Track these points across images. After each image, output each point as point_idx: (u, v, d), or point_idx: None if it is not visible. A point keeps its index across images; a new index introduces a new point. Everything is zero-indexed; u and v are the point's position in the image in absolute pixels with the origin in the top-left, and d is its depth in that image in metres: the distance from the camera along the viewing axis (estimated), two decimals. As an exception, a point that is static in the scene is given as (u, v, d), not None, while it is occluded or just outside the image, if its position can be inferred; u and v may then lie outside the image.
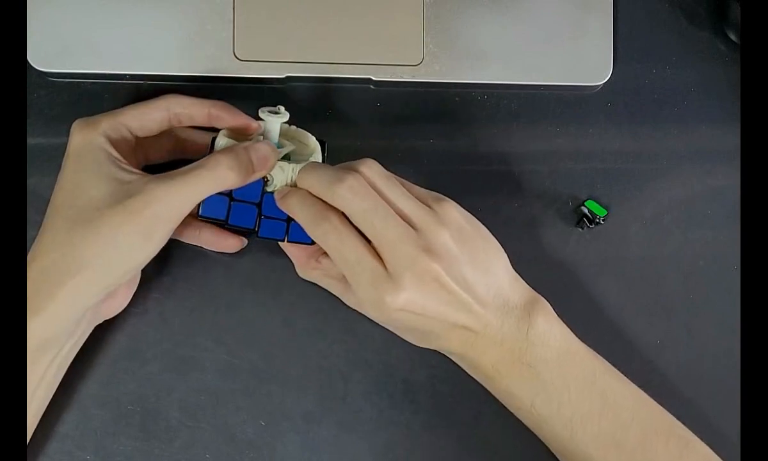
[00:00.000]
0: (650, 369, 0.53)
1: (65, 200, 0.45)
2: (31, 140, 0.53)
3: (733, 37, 0.57)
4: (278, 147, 0.49)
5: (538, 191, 0.54)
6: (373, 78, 0.53)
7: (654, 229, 0.56)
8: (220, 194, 0.47)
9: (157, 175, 0.46)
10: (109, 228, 0.44)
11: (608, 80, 0.55)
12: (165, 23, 0.53)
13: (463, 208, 0.48)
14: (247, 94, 0.53)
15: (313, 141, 0.50)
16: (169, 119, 0.48)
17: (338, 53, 0.53)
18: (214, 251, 0.52)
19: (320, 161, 0.49)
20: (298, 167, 0.48)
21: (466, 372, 0.53)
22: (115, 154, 0.46)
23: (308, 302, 0.53)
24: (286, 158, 0.49)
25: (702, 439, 0.48)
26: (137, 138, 0.48)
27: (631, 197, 0.56)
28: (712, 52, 0.57)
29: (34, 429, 0.48)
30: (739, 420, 0.43)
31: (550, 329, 0.48)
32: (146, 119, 0.48)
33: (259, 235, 0.49)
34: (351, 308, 0.53)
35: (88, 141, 0.46)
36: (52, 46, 0.52)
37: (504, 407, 0.52)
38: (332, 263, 0.48)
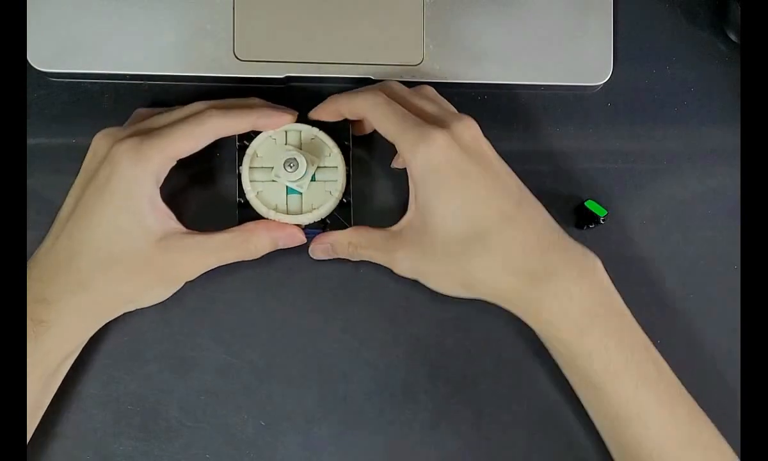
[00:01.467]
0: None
1: (99, 239, 0.46)
2: (31, 140, 0.53)
3: (733, 37, 0.57)
4: (300, 176, 0.49)
5: (538, 191, 0.54)
6: (373, 78, 0.53)
7: (654, 229, 0.56)
8: None
9: (193, 239, 0.48)
10: (138, 281, 0.48)
11: (608, 80, 0.55)
12: (165, 23, 0.53)
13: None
14: (247, 94, 0.53)
15: (332, 144, 0.50)
16: (216, 137, 0.49)
17: (338, 53, 0.53)
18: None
19: (343, 169, 0.50)
20: (321, 210, 0.50)
21: (466, 372, 0.53)
22: (158, 201, 0.48)
23: (308, 302, 0.53)
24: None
25: (706, 421, 0.49)
26: None
27: (631, 197, 0.56)
28: (712, 52, 0.57)
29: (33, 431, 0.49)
30: (739, 420, 0.43)
31: (607, 279, 0.49)
32: (196, 147, 0.48)
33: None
34: (351, 308, 0.53)
35: (138, 182, 0.46)
36: (52, 46, 0.52)
37: (504, 407, 0.52)
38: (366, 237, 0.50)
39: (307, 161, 0.49)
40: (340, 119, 0.51)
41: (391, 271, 0.51)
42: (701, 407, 0.49)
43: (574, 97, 0.56)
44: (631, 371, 0.47)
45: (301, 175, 0.49)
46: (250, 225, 0.49)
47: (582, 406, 0.51)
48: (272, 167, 0.49)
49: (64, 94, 0.54)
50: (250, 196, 0.50)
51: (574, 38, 0.55)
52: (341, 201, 0.50)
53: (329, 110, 0.50)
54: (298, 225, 0.50)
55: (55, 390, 0.49)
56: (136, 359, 0.52)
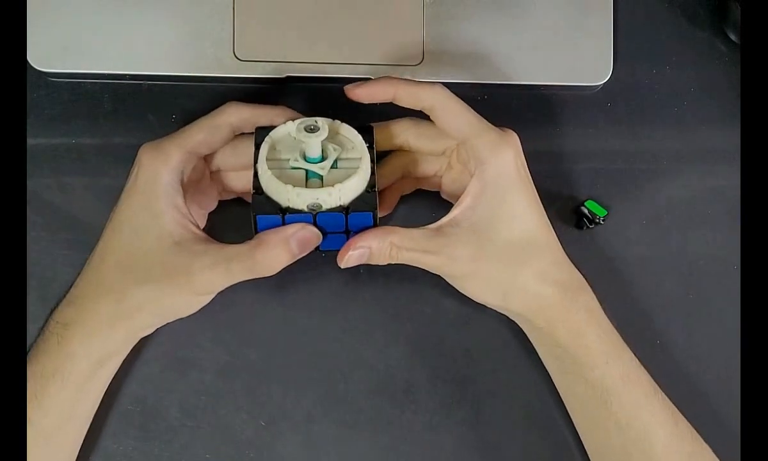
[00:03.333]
0: (650, 369, 0.53)
1: (121, 240, 0.46)
2: (31, 140, 0.53)
3: (733, 37, 0.57)
4: (320, 160, 0.46)
5: (538, 191, 0.54)
6: (374, 78, 0.53)
7: (654, 229, 0.56)
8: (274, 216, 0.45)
9: (207, 246, 0.46)
10: (158, 292, 0.46)
11: (608, 80, 0.55)
12: (165, 23, 0.53)
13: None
14: (247, 94, 0.53)
15: (354, 135, 0.47)
16: (233, 132, 0.49)
17: (338, 53, 0.53)
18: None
19: (368, 159, 0.46)
20: (345, 185, 0.45)
21: (466, 372, 0.53)
22: (177, 199, 0.47)
23: (308, 302, 0.53)
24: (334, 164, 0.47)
25: (702, 439, 0.49)
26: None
27: (631, 197, 0.56)
28: (712, 52, 0.57)
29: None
30: (739, 421, 0.43)
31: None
32: (214, 141, 0.48)
33: (321, 248, 0.47)
34: (351, 308, 0.53)
35: (157, 179, 0.46)
36: (52, 46, 0.52)
37: (504, 407, 0.52)
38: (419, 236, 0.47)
39: (328, 127, 0.46)
40: (387, 100, 0.48)
41: (390, 269, 0.51)
42: (701, 408, 0.49)
43: (574, 97, 0.56)
44: (643, 381, 0.48)
45: (324, 136, 0.45)
46: (260, 235, 0.46)
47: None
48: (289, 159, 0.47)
49: (64, 94, 0.54)
50: (266, 176, 0.45)
51: (574, 38, 0.55)
52: (366, 190, 0.46)
53: (382, 91, 0.48)
54: (315, 220, 0.45)
55: (95, 400, 0.49)
56: (136, 359, 0.52)
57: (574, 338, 0.48)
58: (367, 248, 0.46)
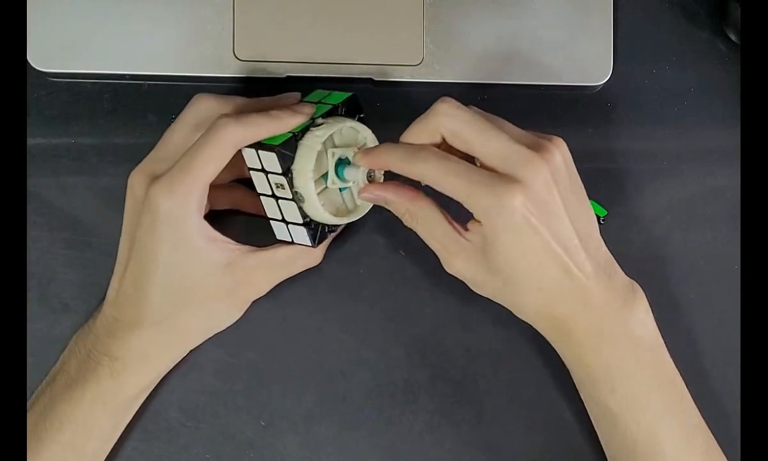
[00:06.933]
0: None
1: (162, 277, 0.46)
2: (31, 140, 0.53)
3: (733, 37, 0.57)
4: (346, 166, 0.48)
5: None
6: (374, 78, 0.53)
7: (654, 229, 0.56)
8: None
9: (257, 256, 0.48)
10: (211, 309, 0.48)
11: (608, 80, 0.55)
12: (165, 23, 0.53)
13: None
14: (247, 94, 0.53)
15: (362, 128, 0.49)
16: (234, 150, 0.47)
17: (338, 53, 0.53)
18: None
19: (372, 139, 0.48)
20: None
21: (466, 372, 0.53)
22: (208, 231, 0.47)
23: (308, 301, 0.53)
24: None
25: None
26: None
27: (631, 197, 0.56)
28: (712, 52, 0.57)
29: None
30: (739, 420, 0.43)
31: (648, 315, 0.48)
32: (221, 166, 0.46)
33: None
34: (351, 308, 0.53)
35: (183, 221, 0.45)
36: (52, 46, 0.52)
37: (504, 407, 0.52)
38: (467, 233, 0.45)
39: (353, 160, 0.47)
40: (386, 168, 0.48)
41: (390, 269, 0.51)
42: (701, 408, 0.49)
43: (574, 97, 0.56)
44: (654, 401, 0.47)
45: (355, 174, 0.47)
46: None
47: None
48: (323, 176, 0.47)
49: (64, 94, 0.54)
50: (324, 215, 0.47)
51: (574, 38, 0.55)
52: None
53: (379, 163, 0.47)
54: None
55: (126, 422, 0.50)
56: (136, 359, 0.52)
57: (588, 352, 0.47)
58: (383, 197, 0.47)
